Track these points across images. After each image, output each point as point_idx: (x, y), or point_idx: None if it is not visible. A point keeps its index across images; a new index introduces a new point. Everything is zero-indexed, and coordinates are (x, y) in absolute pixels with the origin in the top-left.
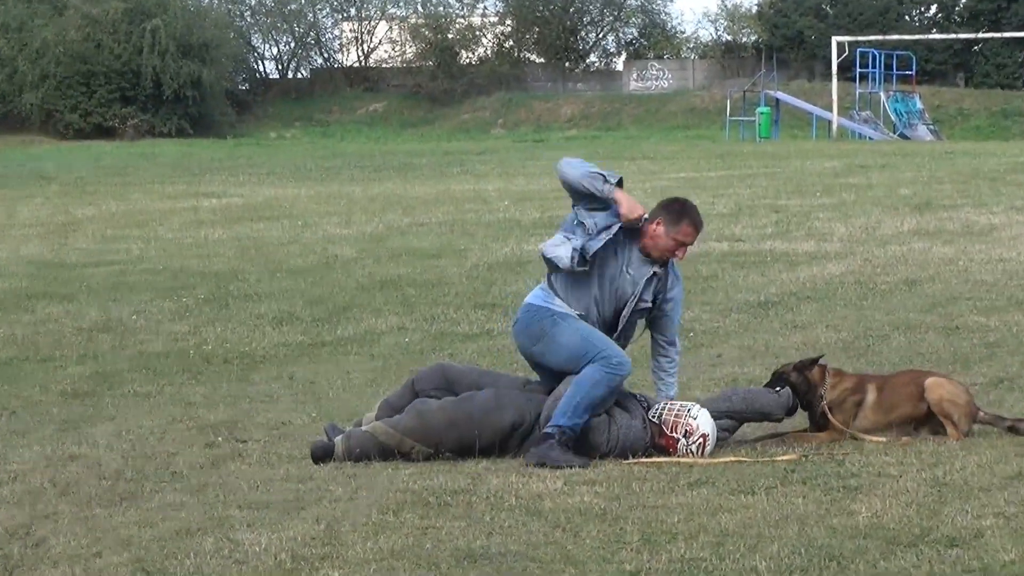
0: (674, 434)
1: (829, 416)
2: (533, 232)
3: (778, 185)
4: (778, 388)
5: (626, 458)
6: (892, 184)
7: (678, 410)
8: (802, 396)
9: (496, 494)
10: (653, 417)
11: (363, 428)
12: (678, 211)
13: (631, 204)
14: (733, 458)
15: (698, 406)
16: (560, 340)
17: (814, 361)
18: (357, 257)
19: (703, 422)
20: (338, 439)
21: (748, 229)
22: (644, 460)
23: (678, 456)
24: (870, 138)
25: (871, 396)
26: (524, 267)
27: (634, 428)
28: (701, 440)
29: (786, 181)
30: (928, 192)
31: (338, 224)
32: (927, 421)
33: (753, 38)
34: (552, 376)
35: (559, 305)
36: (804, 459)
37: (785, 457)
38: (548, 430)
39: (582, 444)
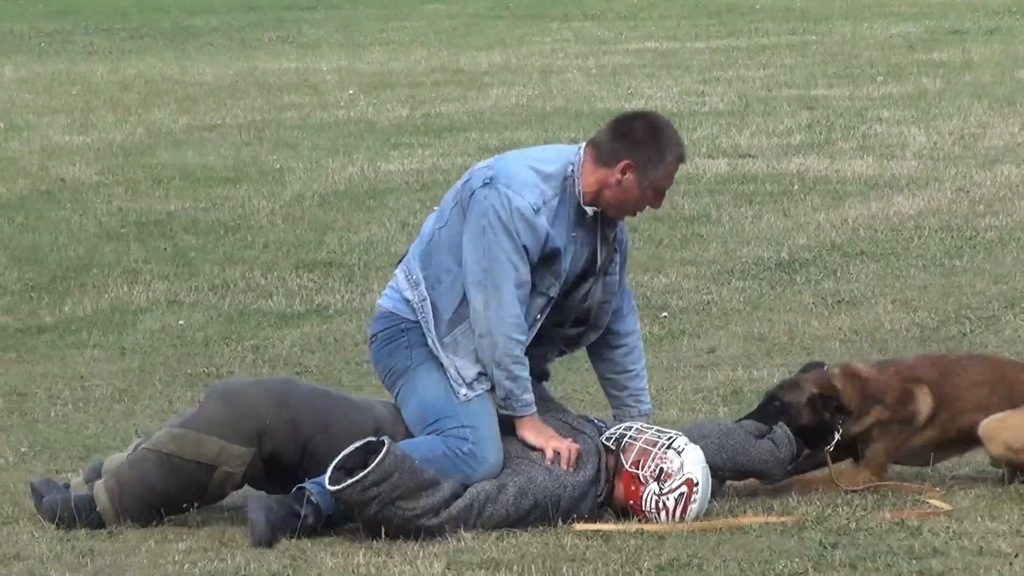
0: (639, 472)
1: (833, 478)
2: (397, 142)
3: (812, 64)
4: (766, 429)
5: (557, 519)
6: (1005, 61)
7: (650, 435)
8: (810, 436)
9: None
10: (608, 441)
11: (129, 451)
12: (654, 141)
13: (540, 436)
14: (731, 521)
15: (683, 436)
16: (419, 385)
17: (840, 406)
18: (99, 183)
19: (690, 460)
20: (99, 483)
21: (761, 137)
22: (586, 526)
23: (643, 515)
24: None
25: (925, 403)
26: (381, 200)
27: (578, 472)
28: (684, 488)
29: (826, 57)
30: None
31: (68, 127)
32: None
33: None
34: None
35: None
36: (853, 522)
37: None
38: (307, 485)
39: None
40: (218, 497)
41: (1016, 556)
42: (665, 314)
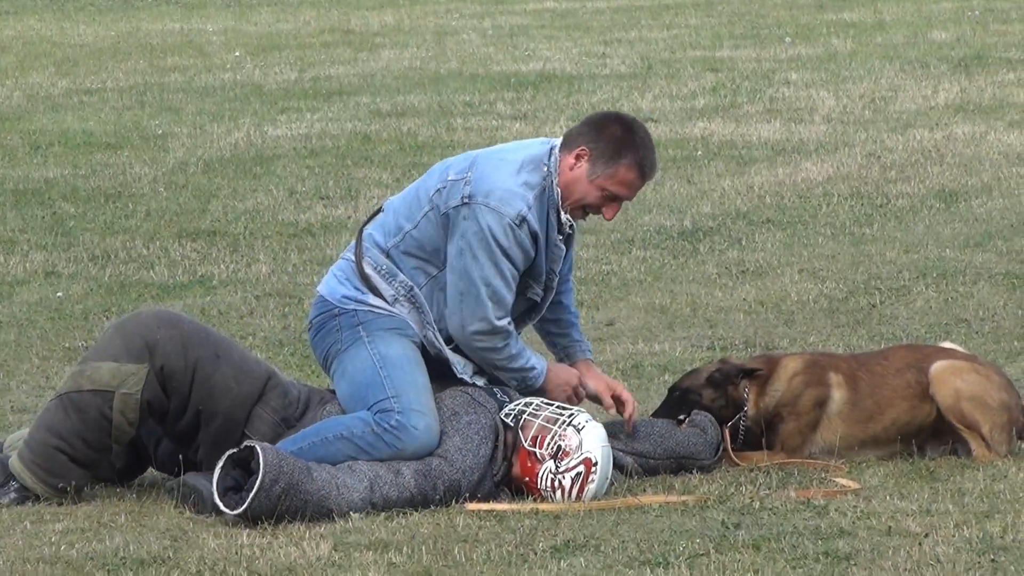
0: (536, 449)
1: (730, 454)
2: (285, 106)
3: (718, 24)
4: (682, 417)
5: (448, 499)
6: (919, 22)
7: (550, 412)
8: (722, 421)
9: (215, 566)
10: (507, 418)
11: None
12: (617, 138)
13: (558, 376)
14: (630, 500)
15: (586, 413)
16: (348, 365)
17: (745, 371)
18: None
19: (590, 438)
20: (12, 456)
21: (664, 101)
22: (479, 505)
23: (539, 494)
24: None
25: (839, 393)
26: (268, 167)
27: (474, 442)
28: (582, 467)
29: (732, 18)
30: (982, 39)
31: None
32: (938, 432)
33: None
34: None
35: (376, 308)
36: (757, 501)
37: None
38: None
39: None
40: (126, 433)
41: (925, 536)
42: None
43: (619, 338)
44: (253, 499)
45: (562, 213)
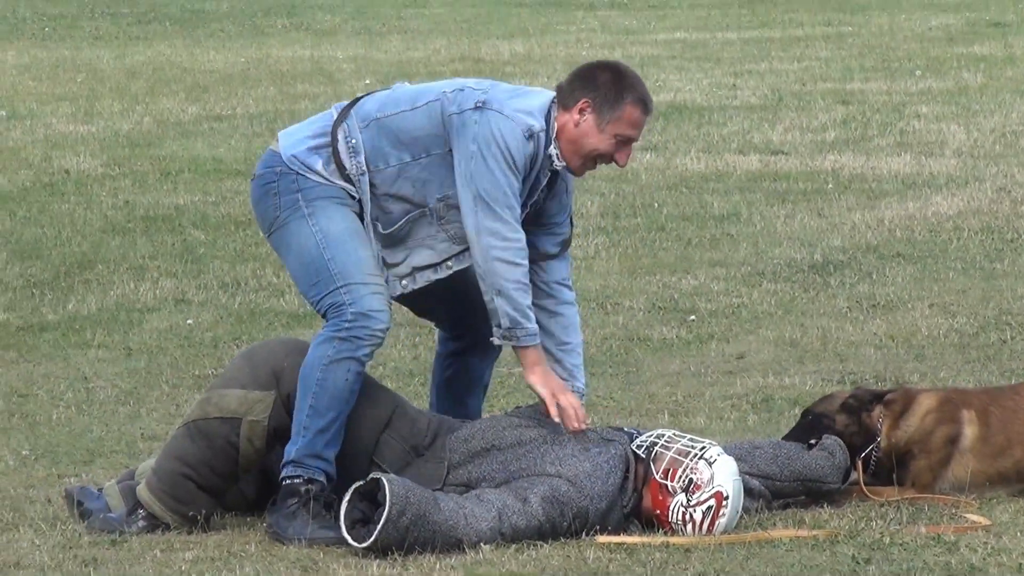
0: (668, 482)
1: (863, 488)
2: None
3: (849, 57)
4: (813, 441)
5: (577, 528)
6: None
7: (682, 445)
8: (853, 449)
9: None
10: (639, 449)
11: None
12: (612, 82)
13: (548, 381)
14: (760, 534)
15: (717, 446)
16: (291, 241)
17: (878, 395)
18: (105, 174)
19: (721, 472)
20: (140, 485)
21: (795, 133)
22: (609, 538)
23: (669, 527)
24: None
25: (970, 430)
26: None
27: (603, 469)
28: (713, 501)
29: (863, 50)
30: None
31: (72, 116)
32: None
33: None
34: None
35: (319, 176)
36: (887, 536)
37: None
38: (282, 475)
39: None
40: (253, 460)
41: None
42: (693, 317)
43: (749, 371)
44: (380, 531)
45: (553, 147)
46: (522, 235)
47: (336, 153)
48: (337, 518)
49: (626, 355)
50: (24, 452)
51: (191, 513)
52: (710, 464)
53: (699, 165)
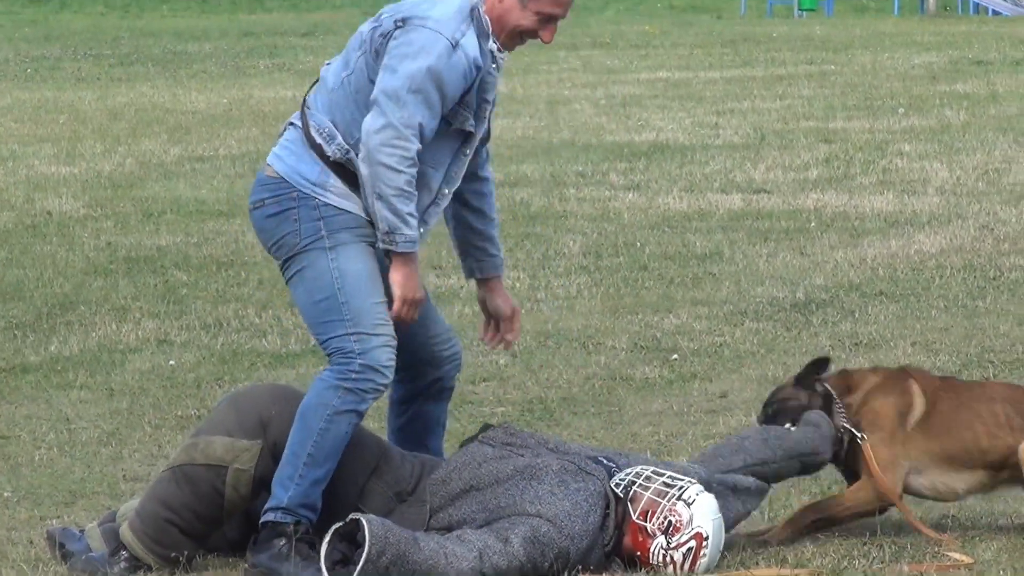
0: (646, 524)
1: (867, 454)
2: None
3: (832, 95)
4: (789, 425)
5: (558, 568)
6: None
7: (660, 485)
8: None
9: None
10: (616, 487)
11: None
12: None
13: (408, 283)
14: (743, 573)
15: (697, 484)
16: (307, 273)
17: (816, 362)
18: (87, 215)
19: (700, 512)
20: (123, 526)
21: (777, 172)
22: None
23: (651, 567)
24: (998, 13)
25: (919, 401)
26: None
27: (583, 508)
28: (693, 542)
29: (846, 88)
30: None
31: (55, 157)
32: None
33: None
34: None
35: (333, 194)
36: (870, 574)
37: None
38: (266, 516)
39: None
40: (239, 507)
41: None
42: (675, 356)
43: (732, 410)
44: (360, 571)
45: (492, 42)
46: (415, 146)
47: (320, 151)
48: (318, 559)
49: (608, 395)
50: (6, 494)
51: (173, 555)
52: (688, 505)
53: (681, 204)
